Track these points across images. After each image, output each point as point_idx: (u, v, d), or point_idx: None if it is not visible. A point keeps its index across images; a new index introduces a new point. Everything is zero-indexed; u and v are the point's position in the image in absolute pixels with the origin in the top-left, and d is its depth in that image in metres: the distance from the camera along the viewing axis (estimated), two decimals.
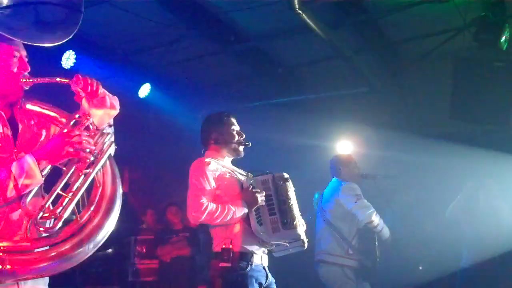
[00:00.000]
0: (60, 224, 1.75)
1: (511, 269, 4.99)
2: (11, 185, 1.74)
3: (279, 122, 7.16)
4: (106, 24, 5.65)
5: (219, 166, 3.12)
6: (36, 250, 1.68)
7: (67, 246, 1.72)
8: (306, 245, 3.15)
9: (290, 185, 3.14)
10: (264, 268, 3.09)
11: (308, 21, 4.92)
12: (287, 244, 3.05)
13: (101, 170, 1.91)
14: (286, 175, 3.14)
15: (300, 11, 4.75)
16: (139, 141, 7.80)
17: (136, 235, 6.66)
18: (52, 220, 1.76)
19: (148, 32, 5.77)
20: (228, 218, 2.94)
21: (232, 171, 3.20)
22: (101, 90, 2.06)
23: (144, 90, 6.74)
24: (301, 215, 3.22)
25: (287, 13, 4.83)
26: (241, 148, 3.27)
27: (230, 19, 5.62)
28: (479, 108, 5.21)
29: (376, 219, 4.48)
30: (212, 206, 2.95)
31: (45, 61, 5.07)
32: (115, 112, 2.14)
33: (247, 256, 2.99)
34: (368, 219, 4.46)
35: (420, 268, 6.42)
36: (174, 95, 7.14)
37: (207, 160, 3.12)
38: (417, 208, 6.41)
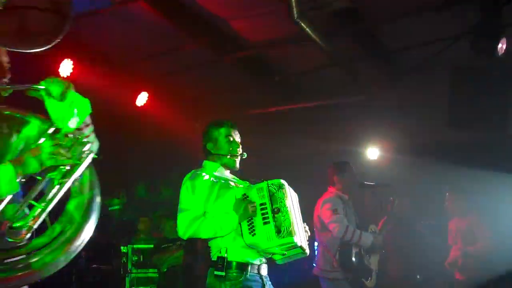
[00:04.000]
0: (29, 235, 1.67)
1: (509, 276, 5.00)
2: None
3: (275, 130, 7.16)
4: (104, 32, 5.65)
5: (212, 178, 3.08)
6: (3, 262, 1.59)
7: (36, 258, 1.64)
8: (307, 252, 3.07)
9: (286, 192, 3.02)
10: (261, 277, 3.04)
11: (307, 29, 4.93)
12: (285, 252, 3.00)
13: (78, 179, 1.83)
14: (282, 182, 3.04)
15: (298, 20, 4.76)
16: (135, 150, 7.79)
17: (133, 244, 6.63)
18: (25, 230, 1.67)
19: (145, 41, 5.77)
20: (217, 232, 2.92)
21: (227, 181, 3.16)
22: (70, 92, 1.90)
23: (142, 99, 6.73)
24: (304, 222, 3.17)
25: (286, 22, 4.84)
26: (235, 159, 3.23)
27: (228, 28, 5.62)
28: (476, 116, 5.23)
29: (348, 233, 4.45)
30: (199, 221, 2.93)
31: (42, 70, 5.07)
32: (86, 113, 1.96)
33: (241, 266, 2.96)
34: (340, 234, 4.45)
35: (418, 277, 6.40)
36: (172, 104, 7.13)
37: (199, 172, 3.10)
38: (415, 217, 6.39)
